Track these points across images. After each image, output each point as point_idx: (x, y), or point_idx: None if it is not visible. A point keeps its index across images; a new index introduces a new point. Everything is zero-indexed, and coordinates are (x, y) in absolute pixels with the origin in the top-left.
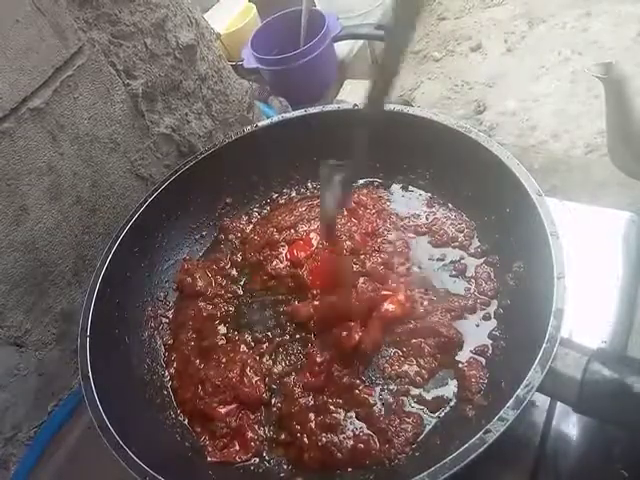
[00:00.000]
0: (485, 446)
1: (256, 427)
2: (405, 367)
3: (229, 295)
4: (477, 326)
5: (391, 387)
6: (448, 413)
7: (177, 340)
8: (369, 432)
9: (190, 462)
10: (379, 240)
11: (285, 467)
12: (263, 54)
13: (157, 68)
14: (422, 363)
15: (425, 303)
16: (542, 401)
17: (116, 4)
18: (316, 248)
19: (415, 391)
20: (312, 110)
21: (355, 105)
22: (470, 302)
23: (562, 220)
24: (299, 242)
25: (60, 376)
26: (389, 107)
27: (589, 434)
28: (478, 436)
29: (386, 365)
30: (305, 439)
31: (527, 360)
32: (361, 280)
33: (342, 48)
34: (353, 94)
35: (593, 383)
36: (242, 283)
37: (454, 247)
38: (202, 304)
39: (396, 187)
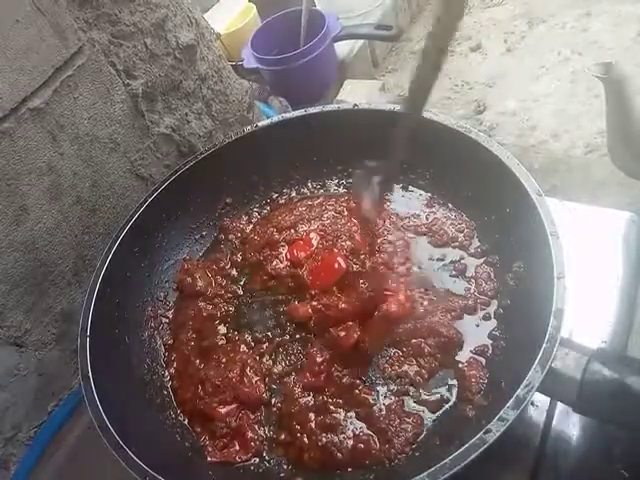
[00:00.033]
0: (485, 446)
1: (256, 427)
2: (405, 367)
3: (229, 295)
4: (477, 326)
5: (391, 387)
6: (448, 413)
7: (177, 340)
8: (369, 432)
9: (190, 462)
10: (379, 240)
11: (285, 467)
12: (263, 54)
13: (157, 68)
14: (422, 363)
15: (425, 303)
16: (542, 401)
17: (116, 4)
18: (316, 248)
19: (415, 391)
20: (312, 110)
21: (355, 105)
22: (470, 302)
23: (562, 220)
24: (299, 242)
25: (60, 376)
26: (389, 107)
27: (589, 434)
28: (478, 436)
29: (386, 365)
30: (305, 439)
31: (527, 360)
32: (361, 280)
33: (342, 48)
34: (353, 94)
35: (593, 383)
36: (242, 283)
37: (454, 247)
38: (202, 304)
39: (396, 187)
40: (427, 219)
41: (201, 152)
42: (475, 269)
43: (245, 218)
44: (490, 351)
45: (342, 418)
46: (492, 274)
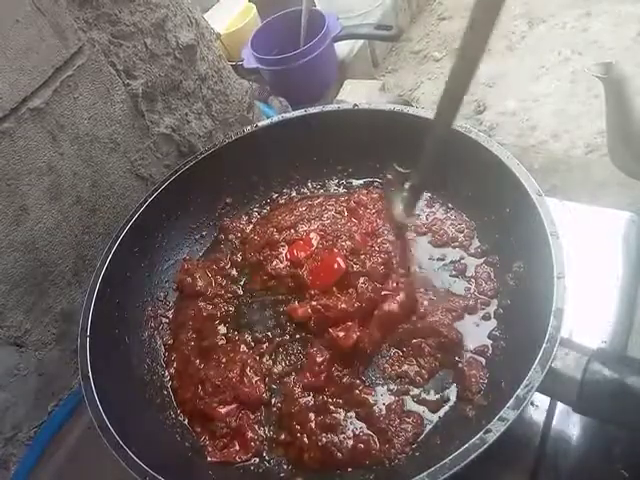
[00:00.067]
0: (485, 446)
1: (256, 427)
2: (405, 367)
3: (229, 295)
4: (477, 326)
5: (391, 387)
6: (448, 413)
7: (177, 340)
8: (369, 432)
9: (190, 462)
10: (379, 240)
11: (285, 467)
12: (263, 54)
13: (157, 68)
14: (422, 363)
15: (425, 303)
16: (542, 401)
17: (116, 4)
18: (316, 248)
19: (415, 391)
20: (312, 110)
21: (355, 105)
22: (470, 302)
23: (562, 220)
24: (299, 242)
25: (60, 376)
26: (389, 107)
27: (589, 434)
28: (478, 436)
29: (386, 365)
30: (305, 439)
31: (527, 360)
32: (361, 280)
33: (342, 48)
34: (353, 94)
35: (593, 383)
36: (242, 283)
37: (454, 247)
38: (202, 304)
39: None
40: (427, 219)
41: (201, 152)
42: (475, 269)
43: (245, 218)
44: (490, 351)
45: (342, 418)
46: (492, 274)
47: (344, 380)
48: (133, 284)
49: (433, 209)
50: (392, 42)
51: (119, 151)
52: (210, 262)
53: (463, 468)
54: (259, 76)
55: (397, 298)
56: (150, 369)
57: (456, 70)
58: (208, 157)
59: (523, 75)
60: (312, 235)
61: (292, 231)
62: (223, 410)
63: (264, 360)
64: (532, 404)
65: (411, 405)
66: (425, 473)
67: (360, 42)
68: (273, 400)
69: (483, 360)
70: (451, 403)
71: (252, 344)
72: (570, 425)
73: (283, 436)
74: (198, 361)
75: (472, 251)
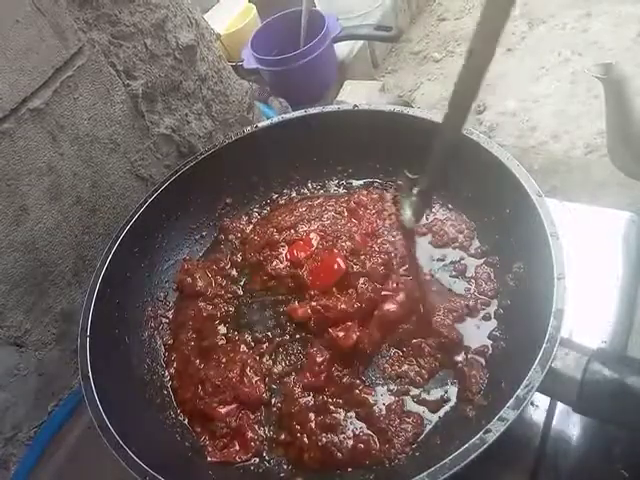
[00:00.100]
0: (485, 446)
1: (256, 427)
2: (405, 367)
3: (229, 295)
4: (477, 326)
5: (391, 387)
6: (448, 413)
7: (177, 340)
8: (369, 432)
9: (190, 462)
10: (379, 240)
11: (285, 467)
12: (263, 55)
13: (157, 69)
14: (422, 363)
15: (426, 305)
16: (542, 401)
17: (116, 5)
18: (316, 248)
19: (415, 391)
20: (312, 111)
21: (355, 106)
22: (470, 302)
23: (562, 221)
24: (299, 242)
25: (60, 376)
26: (389, 108)
27: (589, 434)
28: (478, 436)
29: (386, 365)
30: (305, 439)
31: (527, 360)
32: (361, 280)
33: (342, 49)
34: (353, 95)
35: (593, 383)
36: (242, 283)
37: (454, 248)
38: (202, 304)
39: None
40: (427, 219)
41: (201, 152)
42: (475, 269)
43: (245, 218)
44: (490, 351)
45: (342, 418)
46: (492, 274)
47: (344, 380)
48: (133, 284)
49: (433, 210)
50: (392, 43)
51: (119, 151)
52: (210, 262)
53: (463, 468)
54: (259, 77)
55: (397, 298)
56: (150, 369)
57: (464, 74)
58: (208, 157)
59: (523, 76)
60: (312, 235)
61: (292, 231)
62: (223, 410)
63: (264, 360)
64: (532, 404)
65: (411, 405)
66: (425, 473)
67: (360, 43)
68: (273, 400)
69: (483, 360)
70: (451, 403)
71: (252, 344)
72: (570, 425)
73: (283, 436)
74: (198, 361)
75: (472, 252)
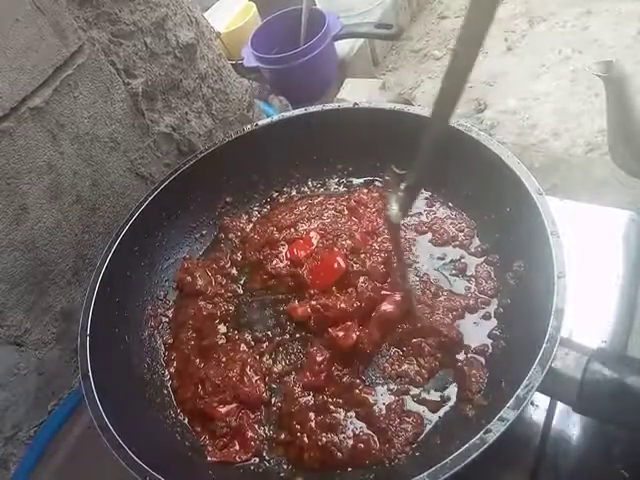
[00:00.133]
0: (485, 446)
1: (256, 427)
2: (405, 367)
3: (229, 294)
4: (477, 325)
5: (391, 387)
6: (448, 413)
7: (177, 339)
8: (369, 432)
9: (190, 462)
10: (379, 239)
11: (285, 467)
12: (263, 53)
13: (157, 67)
14: (422, 363)
15: (424, 304)
16: (542, 401)
17: (116, 3)
18: (316, 247)
19: (415, 391)
20: (312, 109)
21: (355, 104)
22: (470, 301)
23: (562, 219)
24: (299, 241)
25: (60, 375)
26: (389, 106)
27: (589, 434)
28: (478, 436)
29: (386, 365)
30: (305, 439)
31: (527, 360)
32: (361, 279)
33: (342, 47)
34: (353, 93)
35: (593, 383)
36: (242, 282)
37: (454, 246)
38: (202, 303)
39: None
40: (427, 218)
41: (201, 151)
42: (475, 268)
43: (245, 217)
44: (490, 351)
45: (342, 418)
46: (492, 273)
47: (344, 380)
48: (133, 283)
49: (433, 208)
50: (392, 41)
51: (119, 150)
52: (210, 261)
53: (463, 468)
54: (259, 75)
55: (395, 298)
56: (150, 368)
57: (449, 74)
58: (208, 156)
59: (523, 74)
60: (312, 234)
61: (292, 230)
62: (223, 410)
63: (264, 359)
64: (532, 404)
65: (411, 405)
66: (425, 473)
67: (360, 41)
68: (273, 400)
69: (483, 360)
70: (451, 403)
71: (252, 343)
72: (570, 425)
73: (283, 436)
74: (198, 360)
75: (472, 250)
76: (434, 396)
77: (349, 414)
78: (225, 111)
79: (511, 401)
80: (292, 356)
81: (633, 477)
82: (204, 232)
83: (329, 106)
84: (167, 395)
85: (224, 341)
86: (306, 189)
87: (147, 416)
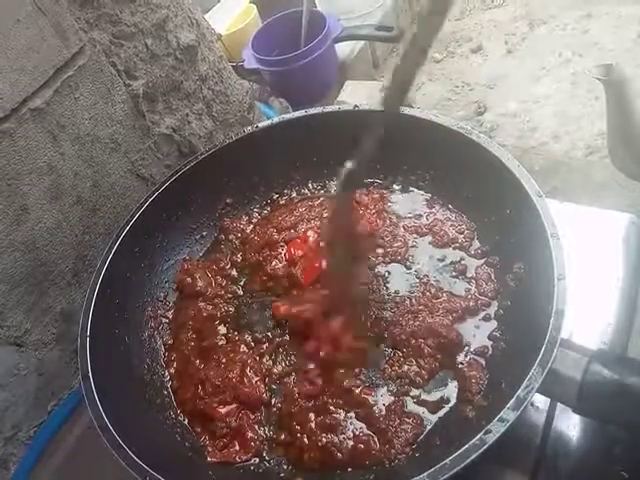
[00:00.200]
0: (485, 447)
1: (256, 427)
2: (405, 368)
3: (229, 295)
4: (477, 327)
5: (391, 387)
6: (448, 414)
7: (177, 340)
8: (369, 432)
9: (190, 462)
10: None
11: (285, 467)
12: (264, 55)
13: (158, 68)
14: (422, 364)
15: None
16: (542, 402)
17: (117, 4)
18: (312, 246)
19: (415, 392)
20: (312, 111)
21: (356, 106)
22: (470, 303)
23: (563, 221)
24: (297, 240)
25: (60, 376)
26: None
27: (589, 435)
28: (478, 437)
29: (386, 365)
30: (305, 439)
31: (527, 361)
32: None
33: (343, 49)
34: (354, 95)
35: (593, 384)
36: (242, 283)
37: (454, 248)
38: (202, 304)
39: (396, 188)
40: (427, 220)
41: (202, 152)
42: (475, 270)
43: (245, 218)
44: (490, 352)
45: (342, 418)
46: (492, 275)
47: (344, 382)
48: (133, 284)
49: (433, 210)
50: (393, 43)
51: (120, 151)
52: (210, 262)
53: (463, 469)
54: (260, 77)
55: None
56: (150, 369)
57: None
58: (208, 157)
59: (524, 76)
60: (309, 233)
61: (292, 231)
62: (223, 410)
63: (264, 360)
64: (532, 405)
65: (411, 406)
66: (425, 474)
67: (361, 43)
68: (273, 400)
69: (483, 361)
70: (451, 404)
71: (252, 344)
72: (570, 426)
73: (283, 436)
74: (198, 361)
75: (472, 252)
76: (434, 397)
77: (349, 415)
78: (226, 113)
79: (511, 402)
80: (292, 357)
81: (633, 478)
82: (204, 233)
83: (329, 108)
84: (167, 396)
85: (224, 342)
86: (306, 191)
87: (147, 417)
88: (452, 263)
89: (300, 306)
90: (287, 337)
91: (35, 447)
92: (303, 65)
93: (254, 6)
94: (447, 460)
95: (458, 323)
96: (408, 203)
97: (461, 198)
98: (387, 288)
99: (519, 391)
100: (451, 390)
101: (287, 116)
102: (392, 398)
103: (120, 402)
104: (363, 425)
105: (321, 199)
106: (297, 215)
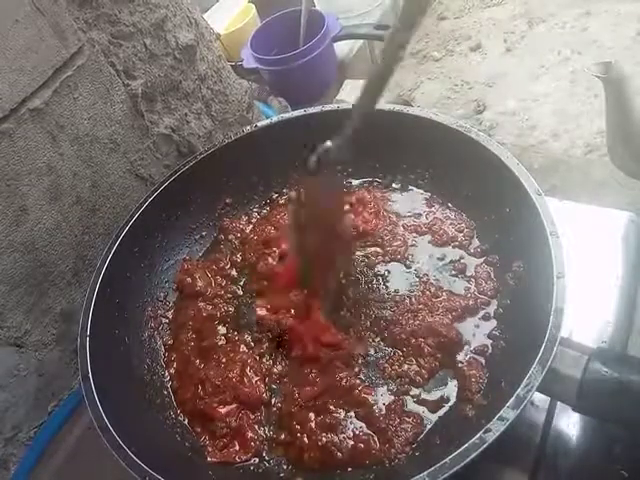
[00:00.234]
0: (485, 446)
1: (256, 427)
2: (405, 367)
3: (229, 295)
4: (477, 326)
5: (391, 387)
6: (448, 413)
7: (177, 340)
8: (369, 432)
9: (190, 462)
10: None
11: (285, 467)
12: (262, 54)
13: (157, 68)
14: (422, 363)
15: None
16: (542, 401)
17: (116, 4)
18: None
19: (415, 391)
20: (311, 110)
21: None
22: (470, 302)
23: (562, 220)
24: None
25: (60, 376)
26: (389, 107)
27: (589, 434)
28: (478, 436)
29: (386, 365)
30: (305, 439)
31: (527, 360)
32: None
33: (342, 48)
34: (353, 94)
35: (593, 382)
36: (242, 283)
37: (454, 247)
38: (202, 304)
39: (396, 187)
40: (427, 219)
41: (201, 152)
42: (475, 268)
43: (245, 218)
44: (490, 351)
45: (342, 418)
46: (492, 274)
47: (344, 382)
48: (133, 284)
49: (433, 209)
50: None
51: (119, 151)
52: (210, 262)
53: (463, 468)
54: (258, 76)
55: None
56: (150, 369)
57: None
58: (208, 157)
59: (523, 75)
60: None
61: None
62: (223, 410)
63: (264, 360)
64: (532, 404)
65: (411, 405)
66: (425, 473)
67: (360, 42)
68: (273, 400)
69: (483, 360)
70: (451, 403)
71: (252, 344)
72: (570, 425)
73: (283, 436)
74: (198, 361)
75: (472, 251)
76: (434, 396)
77: (349, 414)
78: (225, 112)
79: (511, 401)
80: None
81: (633, 477)
82: (204, 233)
83: (328, 107)
84: (167, 396)
85: (224, 342)
86: None
87: (147, 417)
88: (452, 262)
89: (276, 313)
90: (287, 337)
91: (35, 448)
92: (302, 64)
93: (253, 5)
94: (447, 459)
95: (458, 322)
96: (407, 202)
97: (460, 197)
98: (387, 287)
99: (519, 390)
100: (451, 389)
101: (286, 115)
102: (392, 397)
103: (120, 402)
104: (363, 424)
105: None
106: None
